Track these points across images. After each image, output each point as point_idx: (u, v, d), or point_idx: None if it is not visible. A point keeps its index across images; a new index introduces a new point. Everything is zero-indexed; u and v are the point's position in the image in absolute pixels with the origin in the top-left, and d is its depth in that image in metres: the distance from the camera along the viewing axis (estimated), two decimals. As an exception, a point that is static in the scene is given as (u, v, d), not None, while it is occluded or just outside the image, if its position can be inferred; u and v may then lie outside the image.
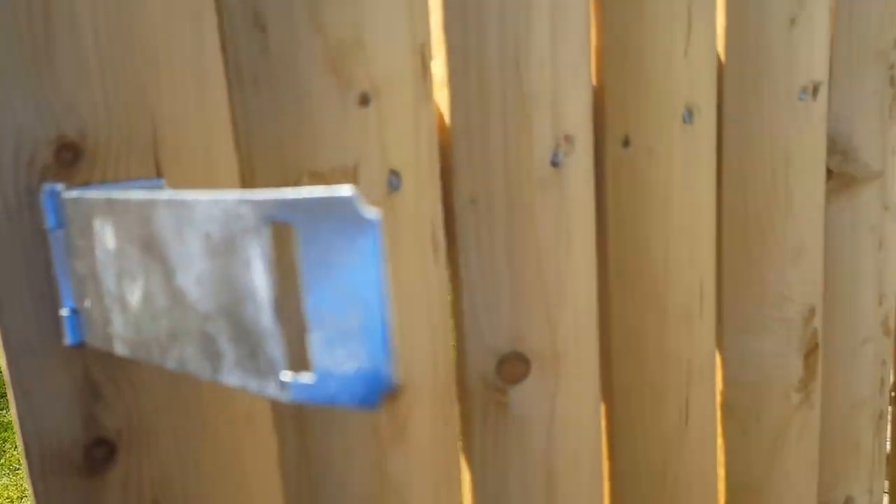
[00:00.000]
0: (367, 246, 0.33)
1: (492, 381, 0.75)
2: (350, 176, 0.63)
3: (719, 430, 0.95)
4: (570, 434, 0.79)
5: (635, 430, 0.87)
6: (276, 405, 0.65)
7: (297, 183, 0.62)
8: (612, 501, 0.88)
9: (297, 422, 0.66)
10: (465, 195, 0.70)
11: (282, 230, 0.56)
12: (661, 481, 0.88)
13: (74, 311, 0.53)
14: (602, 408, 0.87)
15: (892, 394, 1.16)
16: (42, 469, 0.56)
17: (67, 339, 0.53)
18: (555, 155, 0.73)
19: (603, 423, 0.87)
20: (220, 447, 0.61)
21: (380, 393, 0.35)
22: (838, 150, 0.96)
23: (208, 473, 0.61)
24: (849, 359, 1.03)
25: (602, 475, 0.83)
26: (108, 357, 0.56)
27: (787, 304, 0.93)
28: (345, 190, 0.32)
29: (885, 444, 1.11)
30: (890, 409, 1.15)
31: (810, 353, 0.97)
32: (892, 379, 1.08)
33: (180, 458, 0.60)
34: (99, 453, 0.57)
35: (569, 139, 0.73)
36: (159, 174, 0.55)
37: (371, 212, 0.32)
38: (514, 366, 0.75)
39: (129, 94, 0.53)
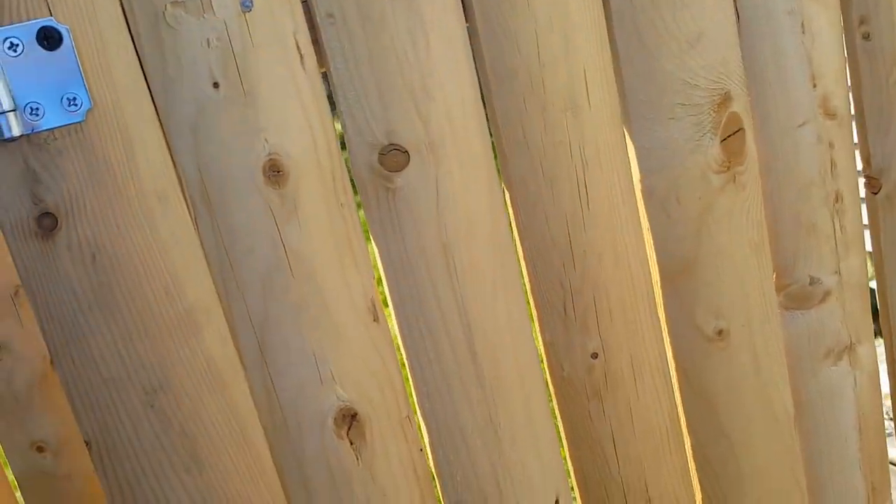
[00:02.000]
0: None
1: (377, 170, 0.95)
2: (207, 2, 0.85)
3: (643, 212, 1.09)
4: (458, 212, 0.98)
5: (538, 213, 1.03)
6: (184, 189, 0.89)
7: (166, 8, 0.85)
8: (529, 269, 1.06)
9: (203, 197, 0.90)
10: (322, 11, 0.90)
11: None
12: (570, 256, 1.05)
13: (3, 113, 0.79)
14: (506, 194, 1.04)
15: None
16: (13, 234, 0.84)
17: (4, 134, 0.80)
18: (397, -31, 0.90)
19: (510, 208, 1.04)
20: (134, 216, 0.87)
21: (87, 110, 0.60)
22: (742, -63, 1.04)
23: (128, 235, 0.87)
24: (788, 141, 1.12)
25: (504, 246, 1.01)
26: (39, 151, 0.82)
27: (693, 91, 1.05)
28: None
29: (856, 228, 1.19)
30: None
31: (730, 136, 1.07)
32: (850, 163, 1.15)
33: (105, 223, 0.86)
34: (46, 222, 0.85)
35: (411, -46, 0.90)
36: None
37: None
38: (393, 157, 0.95)
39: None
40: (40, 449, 1.21)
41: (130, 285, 0.88)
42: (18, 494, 1.24)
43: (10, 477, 1.22)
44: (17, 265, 0.85)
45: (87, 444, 0.92)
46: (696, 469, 1.25)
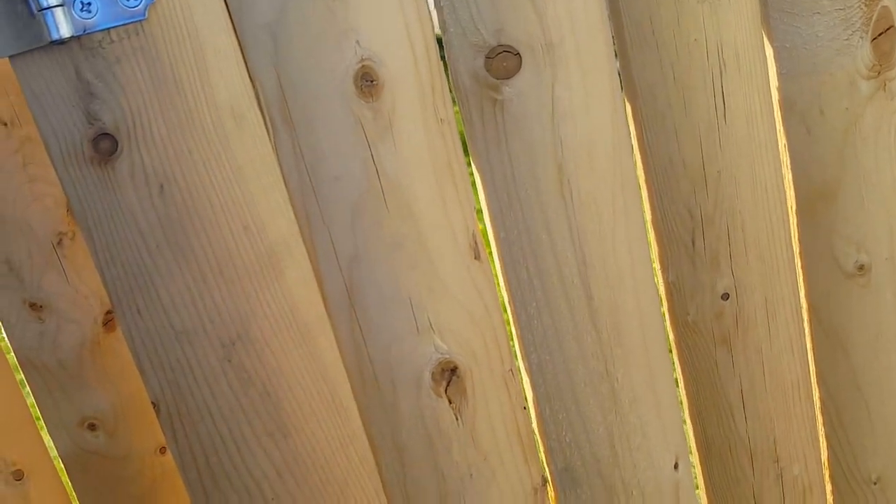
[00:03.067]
0: None
1: (483, 78, 0.82)
2: None
3: (780, 128, 0.96)
4: (578, 127, 0.85)
5: (666, 127, 0.90)
6: (261, 106, 0.77)
7: None
8: (651, 196, 0.93)
9: (283, 114, 0.77)
10: None
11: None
12: (702, 179, 0.92)
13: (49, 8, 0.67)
14: (628, 107, 0.91)
15: None
16: (64, 161, 0.72)
17: (51, 35, 0.67)
18: None
19: (631, 123, 0.91)
20: (208, 138, 0.74)
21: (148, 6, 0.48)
22: None
23: (202, 161, 0.74)
24: (944, 43, 0.98)
25: (625, 168, 0.88)
26: (93, 57, 0.70)
27: (842, -19, 0.91)
28: None
29: None
30: None
31: (882, 35, 0.94)
32: None
33: (175, 147, 0.73)
34: (104, 145, 0.72)
35: None
36: None
37: None
38: (503, 60, 0.82)
39: None
40: (92, 426, 1.08)
41: (204, 221, 0.76)
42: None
43: (54, 453, 1.09)
44: (71, 198, 0.73)
45: (154, 406, 0.80)
46: (824, 423, 1.13)
